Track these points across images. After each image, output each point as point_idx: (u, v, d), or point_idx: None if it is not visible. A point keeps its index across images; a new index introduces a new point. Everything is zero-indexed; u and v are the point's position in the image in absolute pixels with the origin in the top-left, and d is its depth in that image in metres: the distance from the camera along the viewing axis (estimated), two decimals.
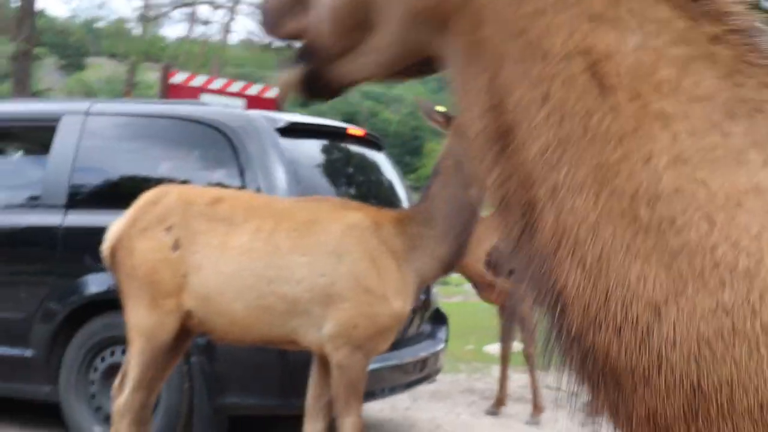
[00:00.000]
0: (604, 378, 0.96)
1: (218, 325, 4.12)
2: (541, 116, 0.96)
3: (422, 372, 5.69)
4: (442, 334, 6.13)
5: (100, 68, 43.34)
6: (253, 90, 10.30)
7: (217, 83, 10.28)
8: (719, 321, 0.87)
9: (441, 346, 5.99)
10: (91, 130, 5.62)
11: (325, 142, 5.90)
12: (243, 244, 4.10)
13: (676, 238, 0.89)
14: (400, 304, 4.09)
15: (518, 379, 7.77)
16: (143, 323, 4.14)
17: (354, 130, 6.11)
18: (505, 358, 6.81)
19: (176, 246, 4.16)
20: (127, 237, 4.23)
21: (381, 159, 6.33)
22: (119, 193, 5.49)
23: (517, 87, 0.98)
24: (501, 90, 1.00)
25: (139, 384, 4.17)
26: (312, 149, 5.71)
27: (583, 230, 0.93)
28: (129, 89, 25.13)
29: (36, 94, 20.16)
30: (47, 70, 37.92)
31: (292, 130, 5.43)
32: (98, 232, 5.14)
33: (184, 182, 5.04)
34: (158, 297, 4.13)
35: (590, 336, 0.94)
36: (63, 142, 5.60)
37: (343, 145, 6.05)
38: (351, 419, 4.05)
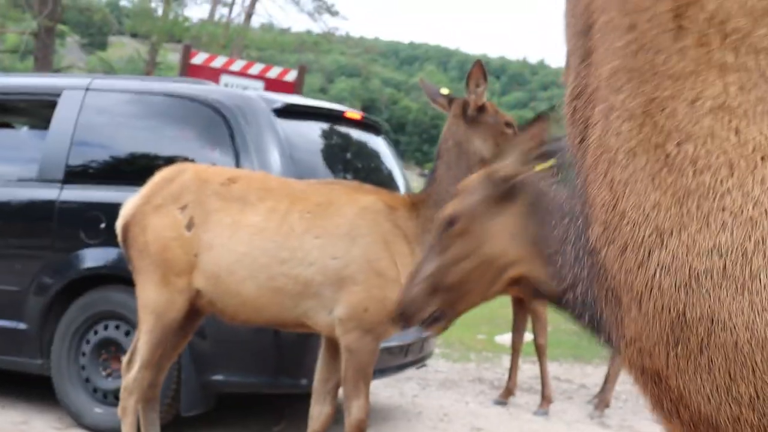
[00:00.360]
0: (609, 293, 1.03)
1: (228, 306, 4.12)
2: (621, 43, 1.01)
3: (412, 356, 5.68)
4: None
5: (123, 47, 43.44)
6: (273, 73, 10.30)
7: (237, 65, 10.28)
8: (712, 261, 0.91)
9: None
10: (91, 105, 5.62)
11: (322, 124, 5.87)
12: (256, 224, 4.10)
13: (693, 178, 0.93)
14: None
15: (528, 370, 7.76)
16: (153, 301, 4.15)
17: (351, 113, 6.09)
18: (516, 349, 6.80)
19: (190, 224, 4.16)
20: (141, 213, 4.24)
21: (379, 143, 6.29)
22: (117, 169, 5.54)
23: (608, 12, 1.03)
24: (594, 14, 1.06)
25: (148, 362, 4.18)
26: (309, 131, 5.70)
27: (621, 154, 0.99)
28: (150, 69, 25.16)
29: (58, 72, 20.24)
30: (69, 48, 38.07)
31: (289, 112, 5.42)
32: (93, 208, 5.20)
33: (181, 160, 5.04)
34: (169, 275, 4.13)
35: (603, 251, 1.02)
36: (62, 117, 5.61)
37: (340, 128, 6.03)
38: (359, 402, 4.05)
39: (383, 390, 6.89)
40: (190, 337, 4.50)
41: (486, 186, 2.63)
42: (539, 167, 2.70)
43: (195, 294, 4.14)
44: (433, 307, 2.63)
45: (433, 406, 6.56)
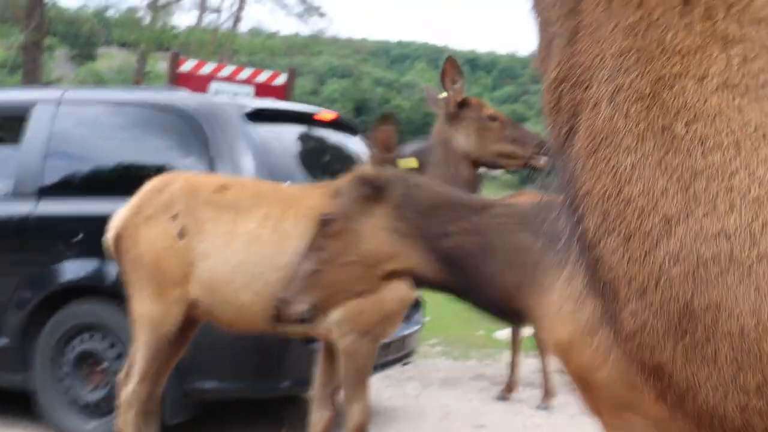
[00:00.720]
0: (605, 287, 0.99)
1: (225, 314, 4.10)
2: (630, 21, 0.97)
3: (394, 354, 5.64)
4: (417, 316, 6.09)
5: (111, 58, 43.35)
6: (262, 77, 10.25)
7: (226, 71, 10.23)
8: (719, 245, 0.89)
9: (415, 328, 5.96)
10: (64, 118, 5.62)
11: (296, 127, 5.86)
12: (250, 231, 4.08)
13: (701, 159, 0.91)
14: (407, 288, 4.06)
15: (529, 365, 7.74)
16: (149, 313, 4.12)
17: (325, 114, 6.06)
18: (515, 344, 6.78)
19: (182, 234, 4.14)
20: (132, 225, 4.21)
21: (354, 143, 6.26)
22: (92, 180, 5.55)
23: None
24: None
25: (145, 375, 4.15)
26: (282, 134, 5.68)
27: (628, 137, 0.95)
28: (140, 79, 25.11)
29: (48, 84, 20.19)
30: (58, 61, 38.01)
31: (262, 116, 5.42)
32: (69, 220, 5.27)
33: (155, 169, 5.04)
34: (164, 286, 4.11)
35: (602, 242, 0.97)
36: (35, 130, 5.60)
37: (315, 129, 6.01)
38: (359, 405, 4.03)
39: (385, 390, 6.87)
40: (186, 347, 4.47)
41: (356, 188, 2.79)
42: (405, 165, 2.85)
43: (191, 304, 4.12)
44: (307, 305, 2.74)
45: (435, 405, 6.54)
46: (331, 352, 4.20)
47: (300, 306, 2.74)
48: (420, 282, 2.77)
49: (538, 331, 2.70)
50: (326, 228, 2.75)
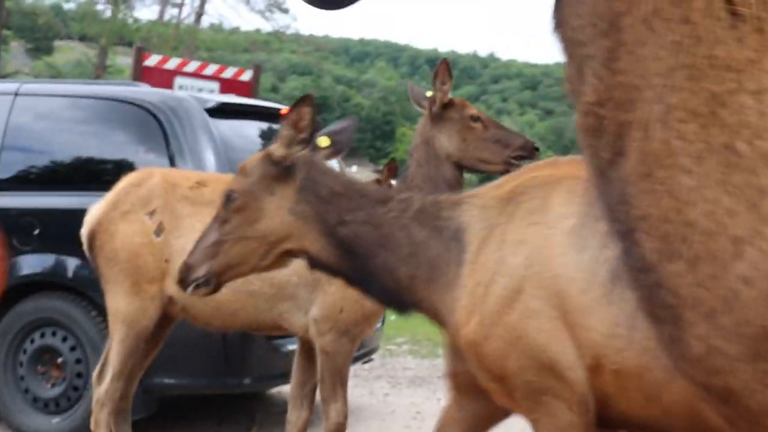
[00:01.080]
0: (665, 311, 0.95)
1: (202, 312, 4.04)
2: (676, 38, 0.93)
3: (355, 352, 5.62)
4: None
5: (70, 51, 42.71)
6: (228, 73, 10.19)
7: (192, 66, 10.14)
8: None
9: (377, 326, 5.94)
10: (21, 111, 5.52)
11: (259, 123, 5.82)
12: None
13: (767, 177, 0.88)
14: None
15: None
16: (124, 309, 4.05)
17: (288, 110, 6.03)
18: None
19: (159, 230, 4.07)
20: (108, 220, 4.13)
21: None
22: (50, 174, 5.47)
23: (650, 3, 0.95)
24: (624, 6, 0.97)
25: (120, 373, 4.07)
26: (245, 130, 5.65)
27: (686, 158, 0.92)
28: (99, 73, 24.80)
29: (5, 77, 19.84)
30: (14, 54, 37.41)
31: (224, 111, 5.37)
32: (26, 214, 5.17)
33: (114, 163, 5.00)
34: (140, 282, 4.04)
35: (663, 266, 0.93)
36: None
37: (276, 125, 5.98)
38: (337, 405, 4.00)
39: (353, 389, 6.84)
40: (161, 345, 4.40)
41: (263, 166, 2.87)
42: (322, 146, 2.92)
43: (167, 301, 4.05)
44: (204, 271, 2.85)
45: (404, 404, 6.53)
46: (308, 351, 4.16)
47: (200, 272, 2.83)
48: (315, 265, 2.83)
49: (440, 327, 2.77)
50: (230, 203, 2.83)
